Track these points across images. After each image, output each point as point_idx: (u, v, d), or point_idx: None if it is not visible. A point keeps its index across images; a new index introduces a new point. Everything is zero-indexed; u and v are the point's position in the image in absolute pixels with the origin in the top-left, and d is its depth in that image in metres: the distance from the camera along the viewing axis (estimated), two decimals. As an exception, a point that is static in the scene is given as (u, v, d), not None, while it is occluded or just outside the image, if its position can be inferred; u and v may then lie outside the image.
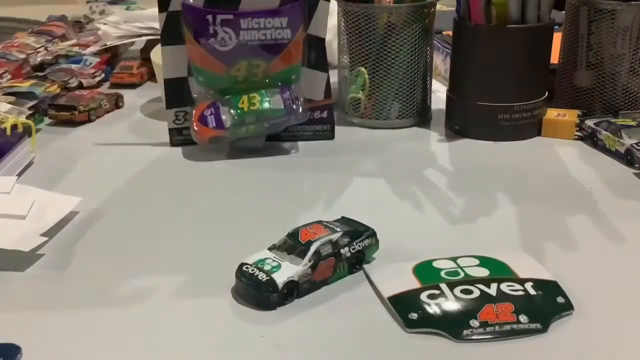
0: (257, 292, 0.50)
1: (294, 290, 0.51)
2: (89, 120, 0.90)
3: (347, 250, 0.53)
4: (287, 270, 0.51)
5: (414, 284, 0.51)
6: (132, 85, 1.04)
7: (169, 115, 0.80)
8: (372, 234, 0.56)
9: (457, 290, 0.50)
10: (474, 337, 0.46)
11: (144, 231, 0.62)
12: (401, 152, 0.79)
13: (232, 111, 0.76)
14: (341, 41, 0.87)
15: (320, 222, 0.55)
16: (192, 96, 0.78)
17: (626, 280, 0.53)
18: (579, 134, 0.80)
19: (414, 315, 0.48)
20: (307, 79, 0.80)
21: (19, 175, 0.73)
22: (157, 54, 0.88)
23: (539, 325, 0.47)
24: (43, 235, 0.59)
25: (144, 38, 1.08)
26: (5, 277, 0.55)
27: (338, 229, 0.54)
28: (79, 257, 0.58)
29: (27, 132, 0.78)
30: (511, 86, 0.79)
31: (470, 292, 0.49)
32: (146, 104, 0.97)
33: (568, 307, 0.49)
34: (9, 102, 0.86)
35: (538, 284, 0.51)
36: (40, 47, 1.16)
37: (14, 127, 0.77)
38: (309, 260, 0.51)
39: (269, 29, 0.76)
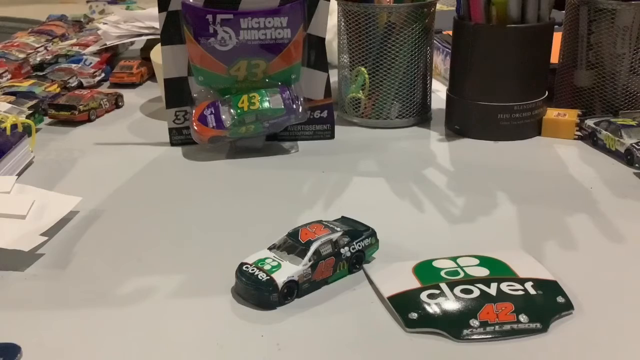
0: (257, 291, 0.50)
1: (294, 289, 0.51)
2: (89, 120, 0.90)
3: (347, 250, 0.53)
4: (287, 270, 0.51)
5: (414, 283, 0.51)
6: (132, 85, 1.04)
7: (169, 115, 0.80)
8: (372, 233, 0.56)
9: (457, 289, 0.50)
10: (474, 337, 0.47)
11: (144, 231, 0.62)
12: (401, 151, 0.79)
13: (232, 111, 0.76)
14: (341, 41, 0.87)
15: (320, 221, 0.55)
16: (192, 96, 0.78)
17: (626, 280, 0.53)
18: (579, 133, 0.80)
19: (414, 315, 0.48)
20: (307, 78, 0.80)
21: (19, 174, 0.73)
22: (157, 54, 0.88)
23: (539, 325, 0.47)
24: (43, 234, 0.58)
25: (144, 38, 1.08)
26: (5, 277, 0.55)
27: (338, 229, 0.54)
28: (79, 257, 0.58)
29: (27, 131, 0.78)
30: (511, 86, 0.79)
31: (470, 291, 0.49)
32: (146, 103, 0.97)
33: (568, 306, 0.49)
34: (9, 102, 0.86)
35: (538, 283, 0.51)
36: (40, 46, 1.16)
37: (14, 126, 0.77)
38: (309, 260, 0.51)
39: (268, 29, 0.76)
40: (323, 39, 0.79)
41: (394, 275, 0.53)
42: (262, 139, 0.79)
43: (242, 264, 0.52)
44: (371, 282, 0.53)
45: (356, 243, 0.54)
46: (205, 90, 0.78)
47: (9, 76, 1.01)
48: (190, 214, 0.65)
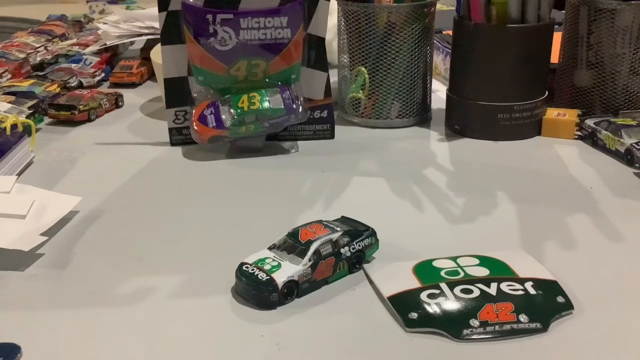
0: (257, 291, 0.50)
1: (294, 289, 0.51)
2: (89, 120, 0.90)
3: (347, 250, 0.53)
4: (287, 270, 0.51)
5: (414, 283, 0.51)
6: (132, 85, 1.04)
7: (169, 115, 0.80)
8: (372, 233, 0.56)
9: (457, 289, 0.50)
10: (473, 337, 0.47)
11: (144, 231, 0.62)
12: (401, 151, 0.79)
13: (232, 111, 0.76)
14: (341, 41, 0.87)
15: (320, 221, 0.55)
16: (192, 96, 0.78)
17: (626, 280, 0.53)
18: (579, 133, 0.80)
19: (414, 315, 0.48)
20: (307, 78, 0.80)
21: (19, 174, 0.73)
22: (157, 54, 0.88)
23: (539, 325, 0.47)
24: (43, 234, 0.58)
25: (144, 37, 1.08)
26: (6, 277, 0.55)
27: (338, 229, 0.54)
28: (78, 256, 0.58)
29: (27, 131, 0.78)
30: (511, 86, 0.79)
31: (470, 291, 0.49)
32: (146, 103, 0.97)
33: (568, 306, 0.49)
34: (9, 102, 0.86)
35: (538, 283, 0.51)
36: (40, 46, 1.16)
37: (14, 126, 0.77)
38: (309, 260, 0.51)
39: (268, 29, 0.76)
40: (323, 39, 0.79)
41: (394, 275, 0.53)
42: (262, 138, 0.79)
43: (242, 264, 0.52)
44: (371, 282, 0.53)
45: (356, 243, 0.54)
46: (205, 90, 0.78)
47: (9, 76, 1.01)
48: (190, 214, 0.65)
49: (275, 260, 0.52)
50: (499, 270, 0.52)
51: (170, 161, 0.78)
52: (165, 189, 0.71)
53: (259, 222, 0.63)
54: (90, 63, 1.06)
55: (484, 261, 0.53)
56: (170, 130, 0.81)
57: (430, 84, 0.88)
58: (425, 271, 0.52)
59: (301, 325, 0.48)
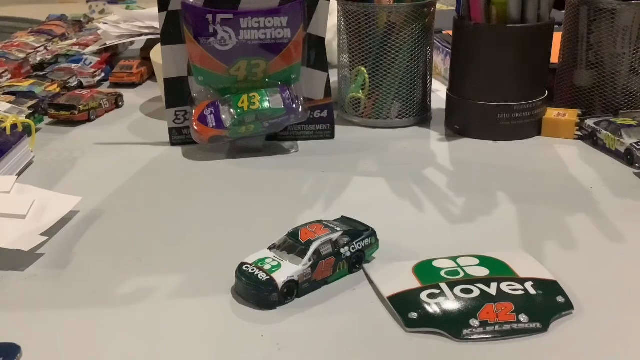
0: (257, 291, 0.50)
1: (294, 289, 0.51)
2: (89, 120, 0.90)
3: (347, 250, 0.53)
4: (287, 270, 0.51)
5: (414, 283, 0.51)
6: (132, 85, 1.04)
7: (169, 115, 0.80)
8: (372, 233, 0.56)
9: (457, 289, 0.50)
10: (473, 337, 0.47)
11: (144, 231, 0.62)
12: (401, 151, 0.79)
13: (232, 110, 0.76)
14: (341, 40, 0.87)
15: (320, 221, 0.55)
16: (192, 96, 0.78)
17: (626, 280, 0.53)
18: (579, 133, 0.80)
19: (414, 315, 0.48)
20: (307, 78, 0.80)
21: (19, 174, 0.73)
22: (157, 54, 0.88)
23: (539, 325, 0.47)
24: (43, 234, 0.59)
25: (144, 37, 1.08)
26: (6, 277, 0.55)
27: (338, 229, 0.54)
28: (78, 256, 0.58)
29: (27, 131, 0.78)
30: (511, 86, 0.79)
31: (470, 291, 0.49)
32: (146, 103, 0.97)
33: (568, 306, 0.49)
34: (9, 102, 0.86)
35: (538, 283, 0.51)
36: (40, 46, 1.16)
37: (14, 126, 0.77)
38: (309, 260, 0.51)
39: (268, 29, 0.76)
40: (323, 39, 0.79)
41: (394, 275, 0.53)
42: (262, 138, 0.79)
43: (242, 264, 0.52)
44: (371, 282, 0.53)
45: (356, 243, 0.54)
46: (205, 90, 0.78)
47: (9, 76, 1.01)
48: (190, 214, 0.65)
49: (275, 260, 0.52)
50: (499, 270, 0.52)
51: (170, 161, 0.78)
52: (165, 189, 0.71)
53: (259, 222, 0.63)
54: (90, 63, 1.06)
55: (484, 261, 0.53)
56: (170, 130, 0.81)
57: (430, 84, 0.88)
58: (425, 271, 0.52)
59: (301, 325, 0.48)
